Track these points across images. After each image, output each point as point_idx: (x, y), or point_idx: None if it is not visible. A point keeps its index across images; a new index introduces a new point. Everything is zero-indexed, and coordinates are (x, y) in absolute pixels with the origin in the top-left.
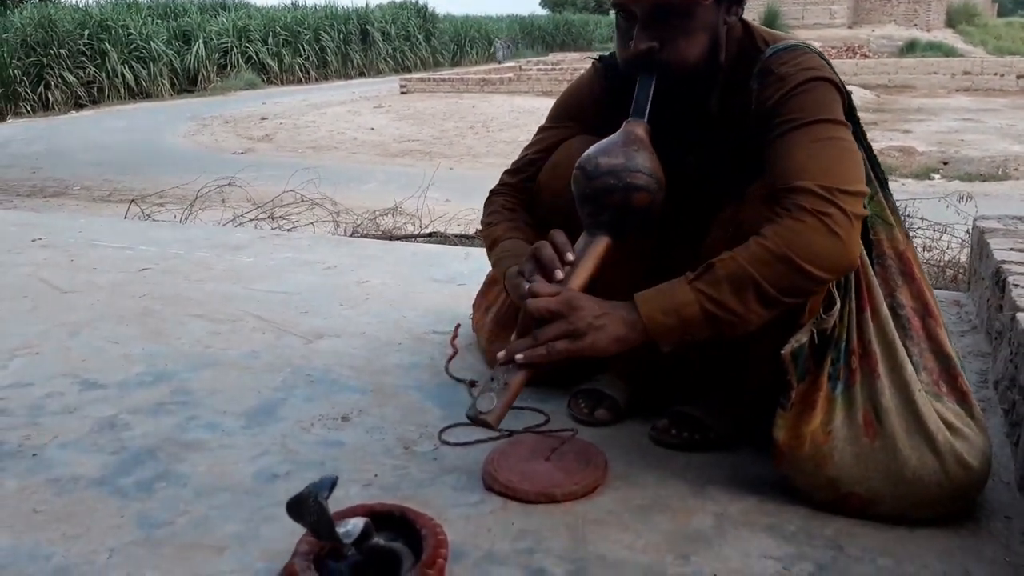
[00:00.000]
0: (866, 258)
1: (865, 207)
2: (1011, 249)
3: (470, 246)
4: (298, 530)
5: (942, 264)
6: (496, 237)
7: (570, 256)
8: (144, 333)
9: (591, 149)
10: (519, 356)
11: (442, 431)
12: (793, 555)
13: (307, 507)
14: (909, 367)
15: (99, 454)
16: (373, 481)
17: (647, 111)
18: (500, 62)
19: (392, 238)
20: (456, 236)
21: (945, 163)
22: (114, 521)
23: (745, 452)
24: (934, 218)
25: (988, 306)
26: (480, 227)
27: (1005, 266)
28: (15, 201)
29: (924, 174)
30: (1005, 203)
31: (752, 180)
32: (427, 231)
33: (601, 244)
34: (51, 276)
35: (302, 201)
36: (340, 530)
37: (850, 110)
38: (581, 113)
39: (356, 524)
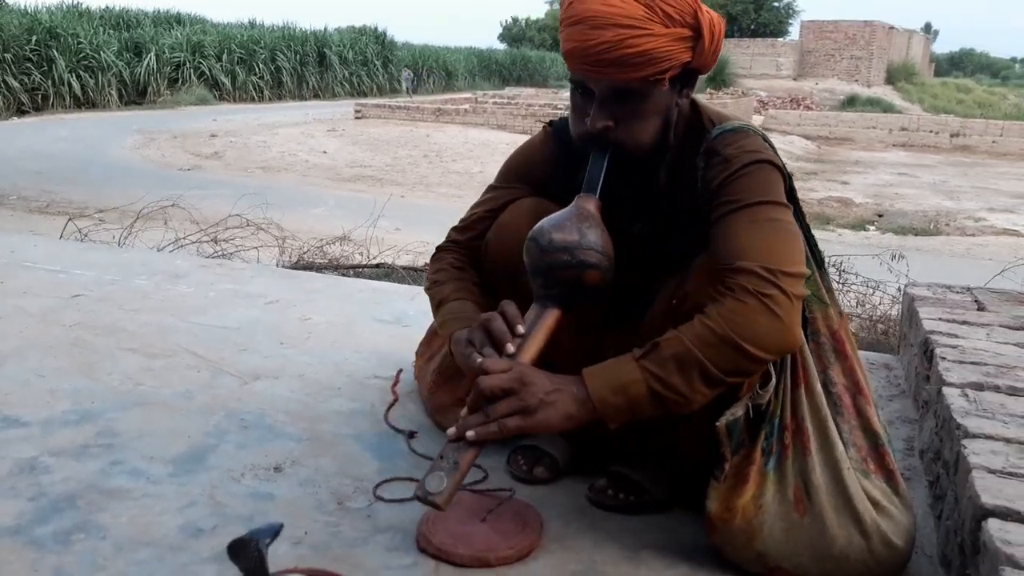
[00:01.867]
0: (802, 336)
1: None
2: (939, 319)
3: (417, 282)
4: None
5: (874, 319)
6: (443, 298)
7: (520, 328)
8: (73, 366)
9: (544, 222)
10: (470, 433)
11: (377, 486)
12: None
13: (247, 552)
14: (840, 445)
15: (16, 500)
16: (303, 539)
17: (599, 187)
18: (408, 93)
19: (339, 267)
20: (404, 268)
21: (880, 215)
22: (24, 573)
23: (680, 517)
24: (868, 274)
25: (916, 374)
26: (427, 283)
27: (933, 337)
28: None
29: (860, 225)
30: (936, 258)
31: (697, 253)
32: (375, 262)
33: (551, 317)
34: None
35: (247, 225)
36: None
37: (791, 191)
38: (530, 175)
39: None
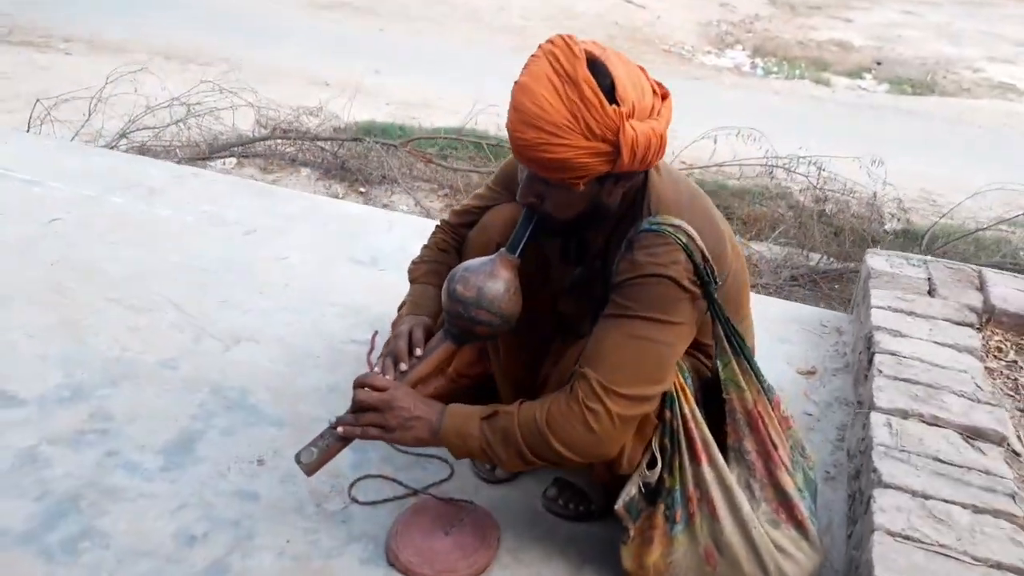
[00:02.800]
0: (700, 420)
1: (721, 374)
2: (888, 308)
3: (392, 192)
4: None
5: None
6: (414, 278)
7: (419, 352)
8: (59, 323)
9: (459, 269)
10: (340, 429)
11: (351, 485)
12: None
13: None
14: (747, 507)
15: (23, 500)
16: (286, 548)
17: (520, 248)
18: None
19: (316, 139)
20: (379, 142)
21: (879, 63)
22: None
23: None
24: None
25: (859, 360)
26: (416, 258)
27: (877, 336)
28: None
29: (857, 73)
30: (926, 123)
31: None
32: (352, 137)
33: (445, 349)
34: None
35: (220, 92)
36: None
37: (709, 294)
38: (514, 184)
39: None
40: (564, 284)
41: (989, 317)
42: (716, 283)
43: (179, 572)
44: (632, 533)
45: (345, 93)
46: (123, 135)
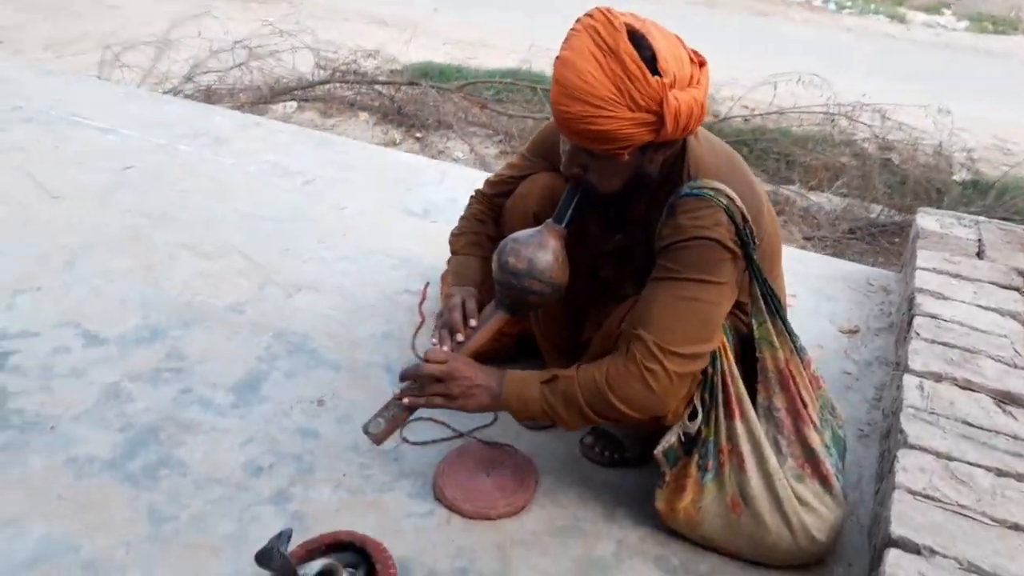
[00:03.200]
0: (737, 376)
1: (755, 333)
2: (933, 270)
3: (448, 138)
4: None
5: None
6: (455, 250)
7: (473, 323)
8: (136, 268)
9: (508, 241)
10: (405, 400)
11: (403, 427)
12: None
13: (272, 558)
14: (774, 461)
15: (108, 431)
16: (342, 482)
17: (566, 218)
18: None
19: (373, 82)
20: (434, 86)
21: None
22: (128, 513)
23: (651, 475)
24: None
25: (901, 321)
26: (455, 229)
27: (919, 299)
28: None
29: (935, 8)
30: (1004, 63)
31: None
32: (408, 81)
33: (499, 319)
34: (40, 171)
35: (280, 34)
36: (301, 571)
37: (748, 255)
38: (550, 152)
39: (313, 567)
40: (604, 251)
41: None
42: (755, 244)
43: (248, 498)
44: (668, 479)
45: (404, 32)
46: (188, 79)
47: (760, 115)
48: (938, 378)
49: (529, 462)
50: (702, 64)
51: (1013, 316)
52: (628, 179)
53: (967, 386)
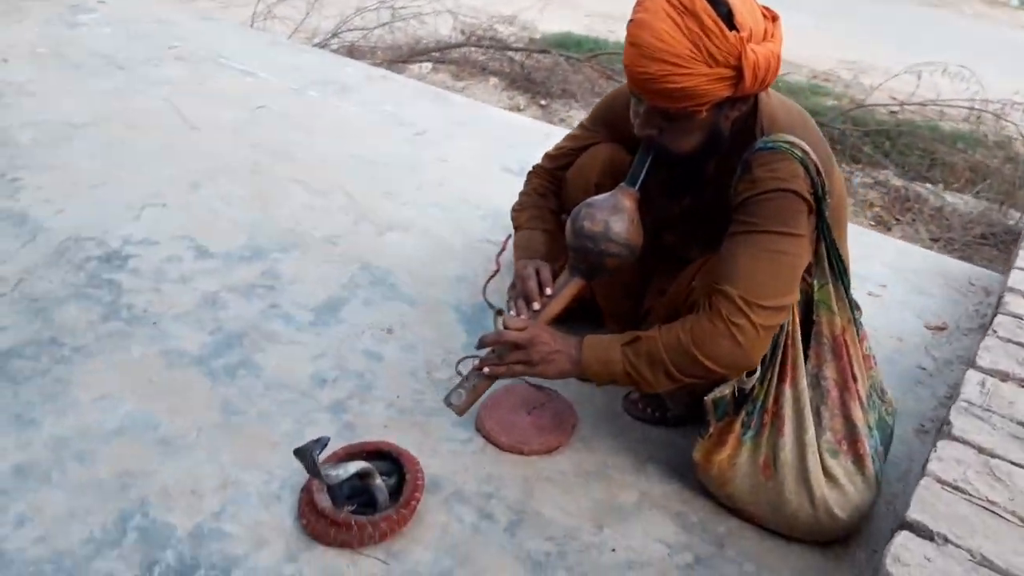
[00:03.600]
0: (799, 340)
1: (815, 295)
2: None
3: (571, 108)
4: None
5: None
6: (518, 224)
7: (548, 291)
8: (251, 196)
9: (583, 206)
10: (487, 370)
11: (459, 362)
12: (683, 544)
13: (305, 457)
14: (811, 432)
15: (200, 332)
16: (395, 402)
17: (639, 181)
18: None
19: (505, 48)
20: (564, 55)
21: None
22: (204, 403)
23: (689, 437)
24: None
25: (987, 321)
26: (515, 204)
27: (1006, 299)
28: None
29: None
30: None
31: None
32: (539, 49)
33: (575, 285)
34: (182, 104)
35: None
36: (332, 472)
37: (819, 212)
38: (614, 121)
39: (347, 468)
40: (671, 215)
41: None
42: (827, 199)
43: (309, 405)
44: (711, 430)
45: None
46: (335, 35)
47: (902, 105)
48: (1004, 377)
49: (570, 407)
50: (775, 19)
51: None
52: (703, 139)
53: None
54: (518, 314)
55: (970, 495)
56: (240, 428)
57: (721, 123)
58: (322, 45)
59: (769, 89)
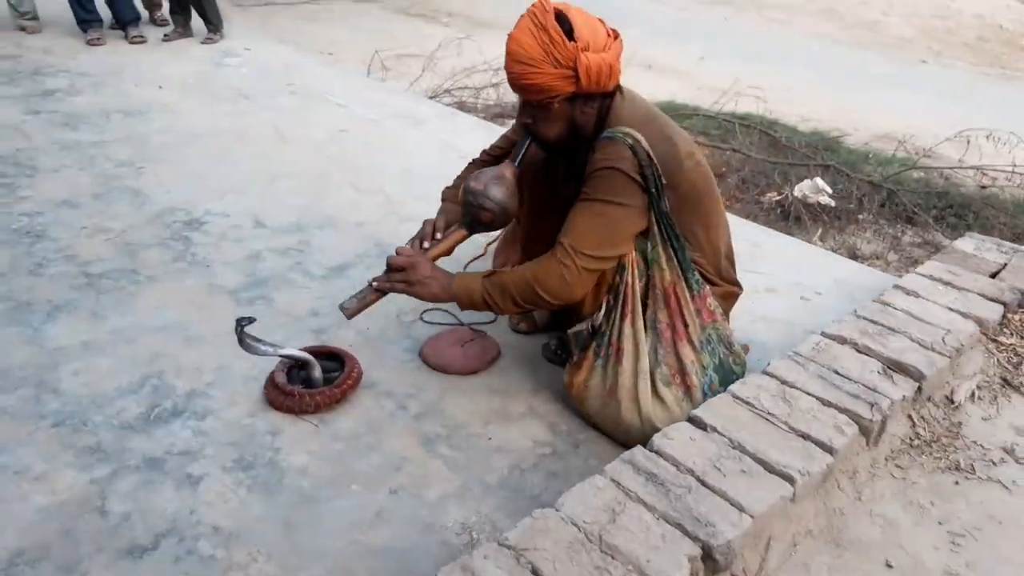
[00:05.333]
0: (637, 288)
1: (648, 255)
2: (928, 276)
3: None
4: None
5: None
6: (444, 197)
7: (439, 236)
8: (313, 190)
9: (476, 173)
10: (375, 283)
11: (424, 312)
12: (547, 442)
13: (237, 329)
14: (645, 362)
15: (240, 275)
16: (364, 332)
17: (519, 159)
18: None
19: None
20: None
21: None
22: (225, 317)
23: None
24: None
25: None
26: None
27: (889, 292)
28: (333, 3)
29: None
30: None
31: None
32: None
33: (458, 234)
34: (283, 125)
35: None
36: (258, 344)
37: (656, 188)
38: None
39: (277, 348)
40: (565, 199)
41: None
42: (661, 183)
43: (300, 327)
44: (575, 358)
45: (664, 75)
46: (447, 91)
47: (946, 168)
48: (842, 340)
49: (495, 345)
50: (616, 37)
51: (977, 320)
52: (565, 128)
53: (865, 351)
54: (412, 247)
55: (754, 407)
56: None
57: (578, 116)
58: (433, 98)
59: (627, 95)
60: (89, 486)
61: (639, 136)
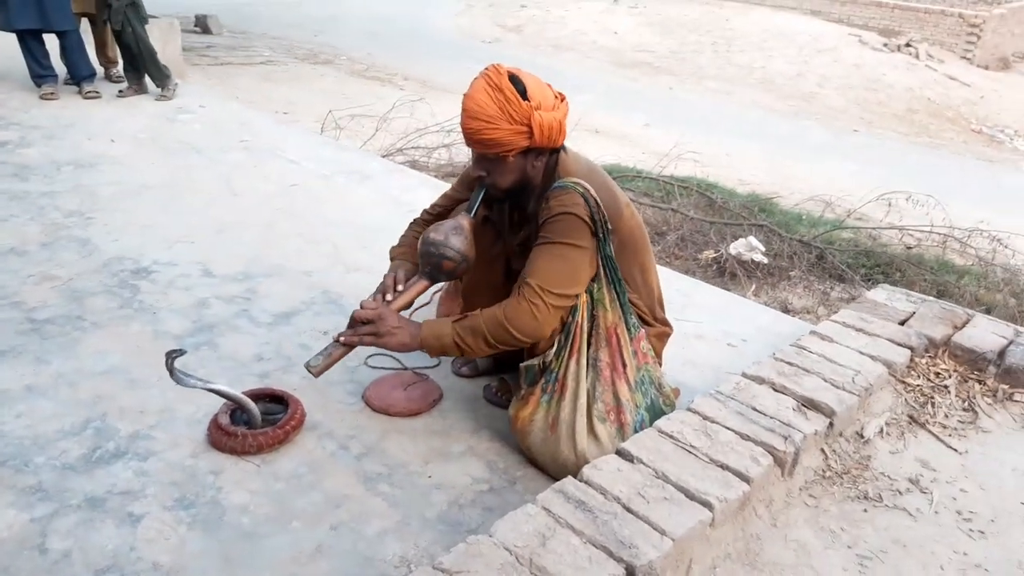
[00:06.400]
0: (585, 327)
1: (594, 295)
2: (841, 323)
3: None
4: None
5: None
6: (393, 256)
7: (400, 287)
8: (260, 240)
9: (432, 226)
10: (342, 338)
11: (367, 359)
12: (484, 479)
13: (166, 359)
14: (583, 399)
15: (185, 321)
16: (308, 377)
17: (474, 210)
18: None
19: None
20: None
21: None
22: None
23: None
24: None
25: None
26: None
27: (806, 338)
28: (289, 65)
29: None
30: None
31: None
32: None
33: (420, 285)
34: (234, 179)
35: None
36: (186, 377)
37: (604, 231)
38: (472, 184)
39: (207, 383)
40: (513, 246)
41: (946, 348)
42: (608, 227)
43: (245, 371)
44: (522, 393)
45: (611, 140)
46: (399, 151)
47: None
48: (760, 381)
49: (437, 388)
50: (563, 99)
51: (886, 363)
52: (517, 179)
53: (781, 390)
54: (374, 301)
55: (677, 440)
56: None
57: (529, 169)
58: (386, 156)
59: (570, 152)
60: (29, 524)
61: (588, 185)
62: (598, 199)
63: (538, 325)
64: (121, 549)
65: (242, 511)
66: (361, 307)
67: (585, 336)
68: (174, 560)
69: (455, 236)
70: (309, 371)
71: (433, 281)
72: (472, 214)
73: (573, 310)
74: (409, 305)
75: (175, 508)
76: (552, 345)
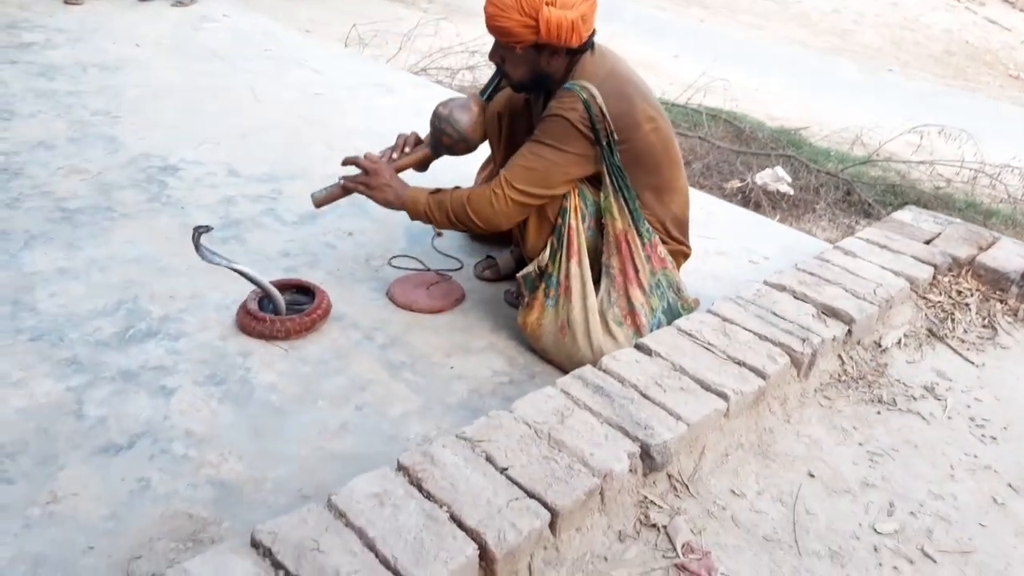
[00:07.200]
0: (581, 228)
1: (601, 204)
2: (866, 239)
3: None
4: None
5: None
6: None
7: (407, 150)
8: (284, 144)
9: (447, 99)
10: (342, 180)
11: (392, 258)
12: (504, 372)
13: (194, 236)
14: (593, 300)
15: (212, 216)
16: (334, 271)
17: (488, 93)
18: None
19: None
20: None
21: None
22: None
23: None
24: None
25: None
26: None
27: (829, 252)
28: None
29: None
30: None
31: None
32: None
33: (421, 153)
34: (257, 85)
35: None
36: (211, 253)
37: (607, 137)
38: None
39: (231, 262)
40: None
41: (970, 268)
42: (614, 137)
43: (270, 264)
44: (526, 300)
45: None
46: (423, 70)
47: (904, 163)
48: (781, 288)
49: (459, 288)
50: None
51: (909, 278)
52: (529, 73)
53: (802, 298)
54: (381, 158)
55: (696, 338)
56: (215, 270)
57: (544, 66)
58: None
59: (601, 53)
60: (66, 393)
61: (595, 91)
62: (603, 107)
63: (494, 213)
64: (155, 418)
65: (270, 389)
66: (364, 156)
67: (583, 238)
68: (206, 430)
69: (460, 113)
70: (312, 199)
71: (436, 153)
72: (485, 97)
73: (563, 213)
74: (410, 167)
75: (206, 384)
76: (545, 248)
